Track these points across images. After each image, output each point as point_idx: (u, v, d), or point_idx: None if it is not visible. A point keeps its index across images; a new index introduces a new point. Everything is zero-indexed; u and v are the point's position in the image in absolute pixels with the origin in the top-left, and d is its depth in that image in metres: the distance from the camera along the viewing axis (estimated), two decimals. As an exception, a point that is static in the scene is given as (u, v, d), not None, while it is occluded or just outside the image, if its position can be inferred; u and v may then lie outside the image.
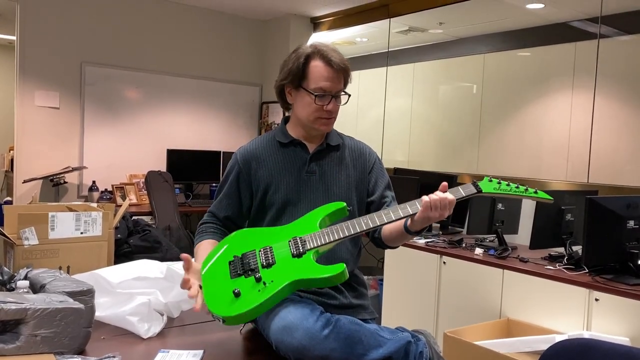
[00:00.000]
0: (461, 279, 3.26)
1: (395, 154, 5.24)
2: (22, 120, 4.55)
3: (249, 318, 1.46)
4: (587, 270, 2.80)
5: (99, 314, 1.69)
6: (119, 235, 2.58)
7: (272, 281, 1.45)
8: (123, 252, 2.61)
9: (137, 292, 1.72)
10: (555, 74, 3.95)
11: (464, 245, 3.44)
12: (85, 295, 1.49)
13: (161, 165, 5.08)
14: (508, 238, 3.42)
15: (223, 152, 5.44)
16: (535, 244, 3.03)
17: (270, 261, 1.52)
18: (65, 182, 4.60)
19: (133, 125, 5.13)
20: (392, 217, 1.57)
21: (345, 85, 1.75)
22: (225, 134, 5.66)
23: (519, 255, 3.14)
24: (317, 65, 1.70)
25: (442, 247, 3.40)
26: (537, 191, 1.55)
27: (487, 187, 1.57)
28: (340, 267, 1.45)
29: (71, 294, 1.47)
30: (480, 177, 1.61)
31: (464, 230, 3.78)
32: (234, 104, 5.76)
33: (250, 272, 1.49)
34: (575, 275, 2.77)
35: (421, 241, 3.52)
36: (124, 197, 4.80)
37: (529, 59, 4.32)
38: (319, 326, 1.41)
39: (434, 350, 1.68)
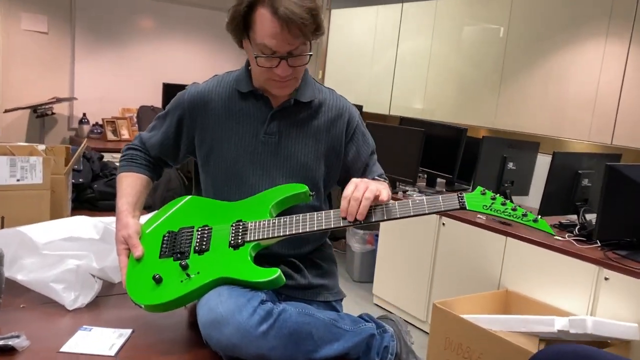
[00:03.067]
0: (460, 243, 3.01)
1: (408, 100, 4.86)
2: (7, 45, 4.28)
3: (170, 309, 1.26)
4: (599, 244, 2.53)
5: (23, 277, 1.47)
6: (80, 180, 2.34)
7: (197, 272, 1.24)
8: (86, 198, 2.38)
9: (67, 254, 1.49)
10: (589, 17, 3.50)
11: (467, 205, 3.15)
12: (-9, 261, 1.27)
13: (157, 100, 4.81)
14: (517, 200, 3.11)
15: (224, 89, 5.13)
16: (544, 210, 2.74)
17: (204, 246, 1.30)
18: (53, 114, 4.37)
19: (128, 56, 4.82)
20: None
21: (307, 40, 1.30)
22: (227, 69, 5.30)
23: (525, 222, 2.85)
24: (263, 15, 1.25)
25: (442, 206, 3.12)
26: (538, 219, 1.20)
27: (474, 203, 1.23)
28: (272, 273, 1.22)
29: (-28, 260, 1.24)
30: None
31: (470, 188, 3.49)
32: (239, 37, 5.38)
33: (179, 255, 1.30)
34: (586, 248, 2.49)
35: (421, 198, 3.24)
36: (115, 132, 4.57)
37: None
38: (255, 321, 1.16)
39: (404, 342, 1.44)
